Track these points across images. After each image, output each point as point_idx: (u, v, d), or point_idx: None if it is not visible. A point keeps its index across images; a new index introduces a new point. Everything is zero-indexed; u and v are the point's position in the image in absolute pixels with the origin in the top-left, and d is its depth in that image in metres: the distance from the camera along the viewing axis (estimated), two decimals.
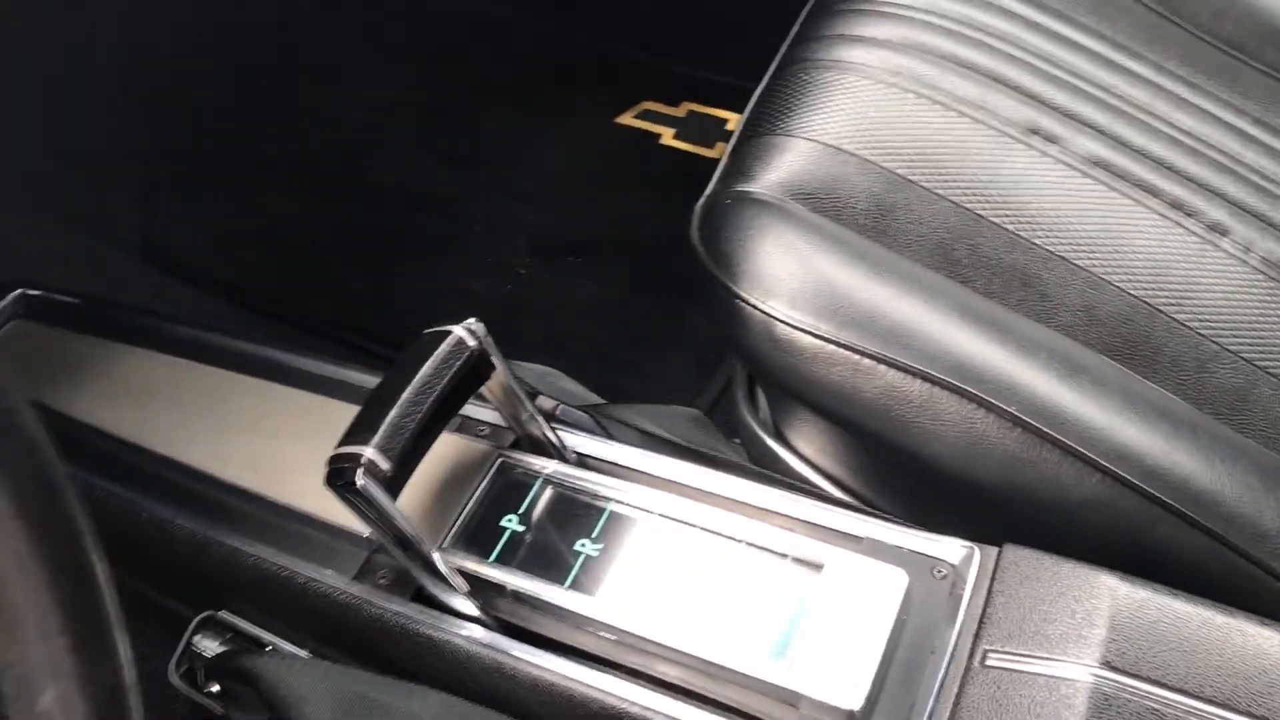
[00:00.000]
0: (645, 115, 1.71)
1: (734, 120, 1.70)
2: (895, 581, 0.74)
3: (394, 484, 0.74)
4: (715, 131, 1.69)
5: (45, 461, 0.28)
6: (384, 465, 0.73)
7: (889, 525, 0.79)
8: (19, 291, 1.08)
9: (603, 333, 1.38)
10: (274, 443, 0.92)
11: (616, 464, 0.86)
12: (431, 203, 1.61)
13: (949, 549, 0.76)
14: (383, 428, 0.74)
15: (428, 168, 1.65)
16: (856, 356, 0.82)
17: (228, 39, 1.61)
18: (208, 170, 1.62)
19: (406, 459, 0.75)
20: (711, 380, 1.29)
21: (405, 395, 0.76)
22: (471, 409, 0.89)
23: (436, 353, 0.78)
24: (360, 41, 1.78)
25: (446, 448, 0.86)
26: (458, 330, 0.79)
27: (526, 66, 1.76)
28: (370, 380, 0.95)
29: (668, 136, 1.68)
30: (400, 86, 1.76)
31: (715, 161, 1.63)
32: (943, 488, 0.85)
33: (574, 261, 1.52)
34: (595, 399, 1.03)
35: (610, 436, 0.89)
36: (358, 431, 0.74)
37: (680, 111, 1.71)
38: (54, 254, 1.27)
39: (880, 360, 0.82)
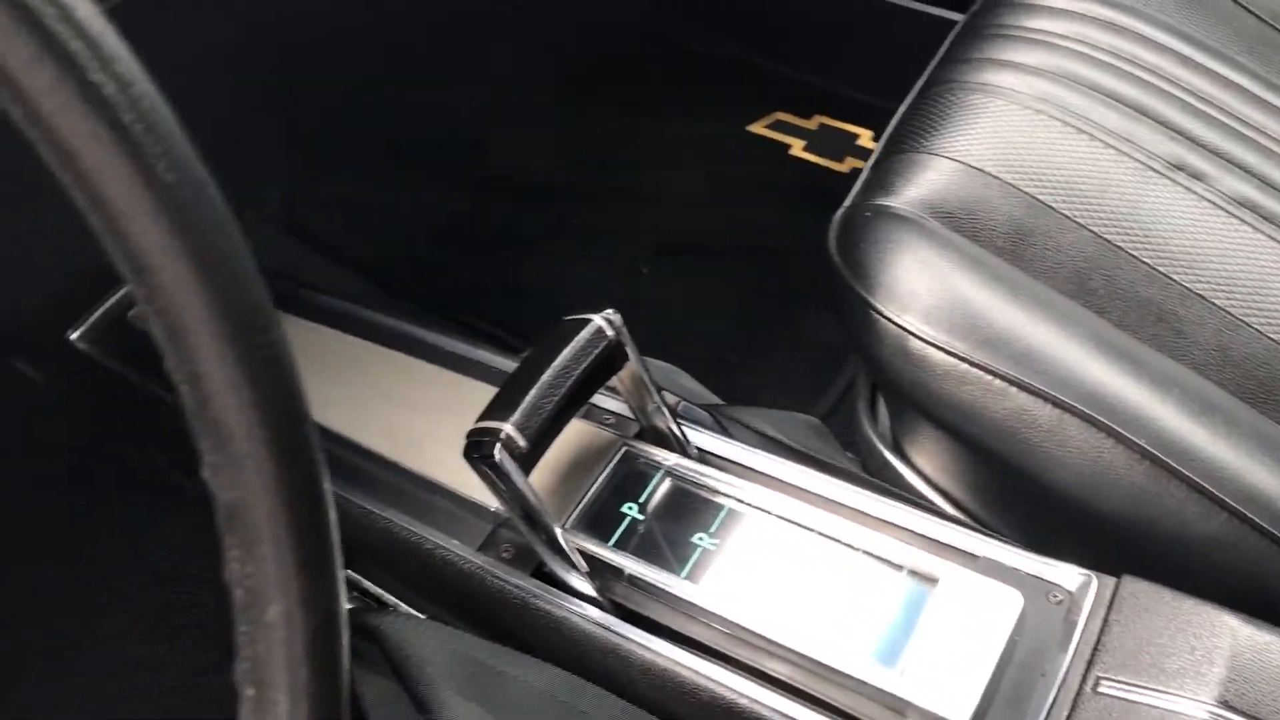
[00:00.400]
0: (777, 125, 1.72)
1: (865, 136, 1.70)
2: (1010, 602, 0.74)
3: (527, 461, 0.77)
4: (845, 146, 1.70)
5: (295, 394, 0.30)
6: (521, 442, 0.76)
7: (1005, 546, 0.79)
8: None
9: (720, 336, 1.40)
10: (410, 414, 0.96)
11: (736, 463, 0.88)
12: (559, 195, 1.65)
13: (1066, 575, 0.77)
14: (522, 406, 0.77)
15: (558, 162, 1.68)
16: (988, 377, 0.83)
17: (374, 27, 1.66)
18: (348, 152, 1.67)
19: (541, 439, 0.78)
20: (827, 390, 1.30)
21: (544, 378, 0.78)
22: (598, 398, 0.92)
23: (576, 339, 0.81)
24: (498, 36, 1.83)
25: (574, 433, 0.89)
26: (597, 320, 0.82)
27: (662, 70, 1.79)
28: (500, 361, 0.98)
29: (798, 148, 1.70)
30: (536, 82, 1.80)
31: (843, 175, 1.65)
32: (1063, 514, 0.85)
33: (696, 263, 1.55)
34: (714, 399, 1.05)
35: (730, 436, 0.91)
36: (498, 408, 0.77)
37: (812, 124, 1.72)
38: None
39: (1012, 382, 0.82)
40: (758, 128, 1.72)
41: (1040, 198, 0.94)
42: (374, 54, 1.68)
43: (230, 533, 0.30)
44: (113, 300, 1.10)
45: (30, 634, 1.10)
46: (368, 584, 0.90)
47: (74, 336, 1.07)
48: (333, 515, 0.32)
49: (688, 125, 1.71)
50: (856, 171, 1.65)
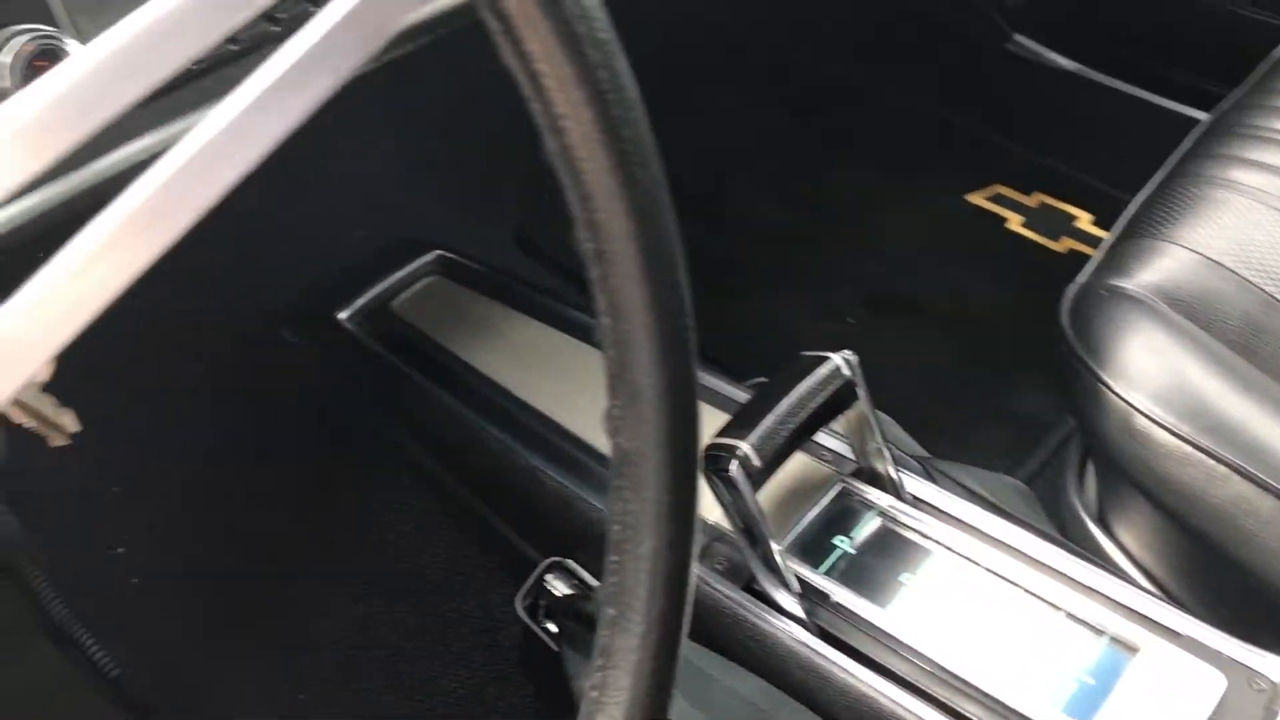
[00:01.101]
0: (997, 198, 1.75)
1: (1084, 218, 1.72)
2: (1212, 683, 0.76)
3: (757, 480, 0.83)
4: (1063, 226, 1.72)
5: (692, 373, 0.37)
6: (755, 461, 0.82)
7: (1209, 628, 0.81)
8: (438, 253, 1.24)
9: (923, 395, 1.43)
10: None
11: (946, 512, 0.92)
12: (775, 238, 1.71)
13: (1272, 664, 0.78)
14: (759, 429, 0.83)
15: (776, 206, 1.75)
16: (1212, 462, 0.85)
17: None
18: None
19: (772, 462, 0.84)
20: (1028, 459, 1.32)
21: (783, 405, 0.84)
22: (819, 434, 0.97)
23: (815, 374, 0.87)
24: (728, 80, 1.90)
25: (795, 463, 0.95)
26: (836, 359, 0.87)
27: (891, 130, 1.84)
28: (712, 383, 1.05)
29: (1015, 222, 1.72)
30: (763, 129, 1.87)
31: (1059, 255, 1.67)
32: (1273, 604, 0.86)
33: (904, 321, 1.59)
34: (922, 451, 1.09)
35: (939, 487, 0.95)
36: (736, 427, 0.83)
37: (1032, 201, 1.74)
38: (458, 231, 1.44)
39: (1236, 470, 0.84)
40: (977, 198, 1.75)
41: (1278, 297, 0.96)
42: None
43: (621, 475, 0.37)
44: (377, 290, 1.22)
45: (259, 589, 1.21)
46: (587, 575, 0.97)
47: (341, 316, 1.19)
48: (698, 480, 0.39)
49: (908, 186, 1.75)
50: (1072, 252, 1.68)
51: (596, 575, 0.99)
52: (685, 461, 0.37)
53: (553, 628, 0.97)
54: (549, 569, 0.97)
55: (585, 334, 1.13)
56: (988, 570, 0.86)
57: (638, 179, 0.34)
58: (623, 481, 0.38)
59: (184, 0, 0.28)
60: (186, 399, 1.28)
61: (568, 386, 1.07)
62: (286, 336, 1.22)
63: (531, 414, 1.04)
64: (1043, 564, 0.87)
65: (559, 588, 0.96)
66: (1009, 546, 0.88)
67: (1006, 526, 0.89)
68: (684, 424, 0.37)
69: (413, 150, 1.53)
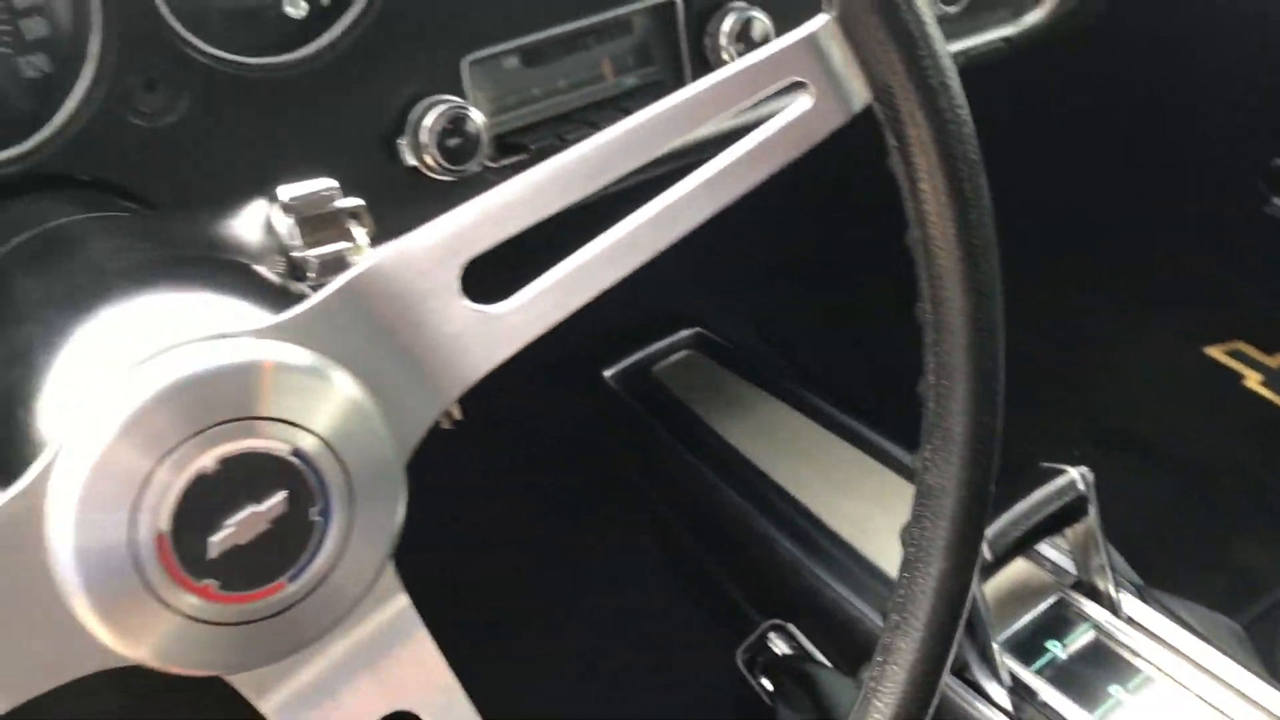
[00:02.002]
0: (1236, 354, 1.76)
1: None
2: None
3: (985, 573, 0.90)
4: None
5: (996, 433, 0.46)
6: (987, 555, 0.89)
7: None
8: (698, 330, 1.37)
9: (1144, 531, 1.45)
10: (866, 506, 1.11)
11: (1161, 636, 0.95)
12: (1011, 359, 1.75)
13: None
14: (995, 525, 0.90)
15: (1018, 330, 1.79)
16: None
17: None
18: (815, 281, 1.87)
19: (1001, 558, 0.90)
20: (1248, 604, 1.32)
21: (1018, 508, 0.91)
22: (1044, 543, 1.03)
23: (1052, 483, 0.93)
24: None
25: (1018, 565, 1.00)
26: (1073, 473, 0.94)
27: (1132, 271, 1.86)
28: None
29: (1254, 380, 1.72)
30: (1016, 259, 1.92)
31: None
32: None
33: (1129, 458, 1.60)
34: (1137, 578, 1.13)
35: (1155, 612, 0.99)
36: None
37: (1274, 361, 1.74)
38: (710, 314, 1.55)
39: None
40: (1216, 351, 1.76)
41: None
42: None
43: (923, 506, 0.46)
44: (640, 355, 1.35)
45: (491, 612, 1.32)
46: (805, 641, 1.05)
47: (606, 374, 1.32)
48: (986, 520, 0.47)
49: (1147, 329, 1.77)
50: None
51: (816, 642, 1.07)
52: (979, 503, 0.46)
53: (769, 685, 1.04)
54: (771, 629, 1.06)
55: (825, 419, 1.22)
56: (1198, 697, 0.89)
57: (980, 270, 0.44)
58: (924, 511, 0.47)
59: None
60: (458, 431, 1.42)
61: (807, 466, 1.16)
62: (554, 388, 1.36)
63: (770, 486, 1.14)
64: (1254, 701, 0.89)
65: (780, 647, 1.04)
66: (1221, 679, 0.91)
67: (1220, 659, 0.92)
68: (984, 471, 0.46)
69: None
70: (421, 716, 0.48)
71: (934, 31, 0.43)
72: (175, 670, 0.43)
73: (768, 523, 1.10)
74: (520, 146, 0.84)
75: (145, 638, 0.41)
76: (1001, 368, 0.46)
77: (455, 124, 0.79)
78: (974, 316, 0.44)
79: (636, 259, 0.45)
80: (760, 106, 0.47)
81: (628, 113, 0.87)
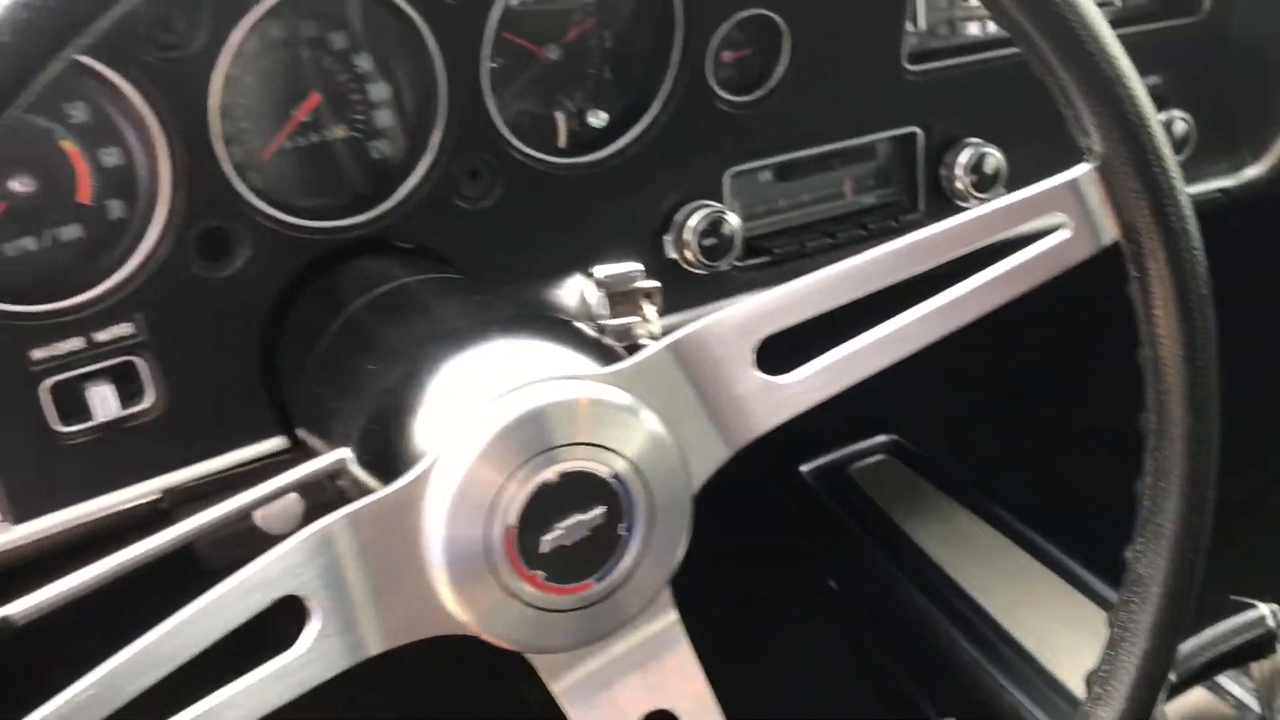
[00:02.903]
0: None
1: None
2: None
3: (1169, 695, 0.93)
4: None
5: (1205, 535, 0.53)
6: (1171, 676, 0.92)
7: None
8: (893, 437, 1.44)
9: None
10: (1047, 619, 1.15)
11: None
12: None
13: None
14: (1180, 650, 0.93)
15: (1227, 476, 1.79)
16: None
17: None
18: (1014, 399, 1.90)
19: (1183, 683, 0.94)
20: None
21: (1206, 635, 0.95)
22: (1226, 676, 1.05)
23: (1241, 615, 0.96)
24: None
25: (1199, 695, 1.03)
26: (1264, 608, 0.97)
27: None
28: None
29: None
30: None
31: None
32: None
33: None
34: None
35: None
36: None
37: None
38: (908, 421, 1.61)
39: None
40: None
41: None
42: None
43: (1132, 591, 0.53)
44: (838, 455, 1.42)
45: None
46: None
47: (804, 469, 1.40)
48: (1192, 610, 0.54)
49: None
50: None
51: None
52: (1184, 594, 0.53)
53: None
54: None
55: (1013, 533, 1.27)
56: None
57: (1201, 390, 0.51)
58: (1131, 597, 0.54)
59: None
60: None
61: (993, 576, 1.22)
62: (752, 470, 1.44)
63: (957, 591, 1.19)
64: None
65: None
66: None
67: None
68: (1190, 566, 0.53)
69: None
70: (679, 717, 0.57)
71: (1179, 183, 0.51)
72: (491, 639, 0.53)
73: (952, 625, 1.15)
74: (766, 250, 0.95)
75: (479, 609, 0.52)
76: (1213, 477, 0.53)
77: (714, 226, 0.90)
78: (1193, 429, 0.51)
79: (903, 351, 0.55)
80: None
81: (865, 228, 0.98)
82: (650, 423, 0.53)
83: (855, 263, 0.54)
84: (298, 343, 0.77)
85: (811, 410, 0.60)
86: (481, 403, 0.52)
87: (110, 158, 0.75)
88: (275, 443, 0.82)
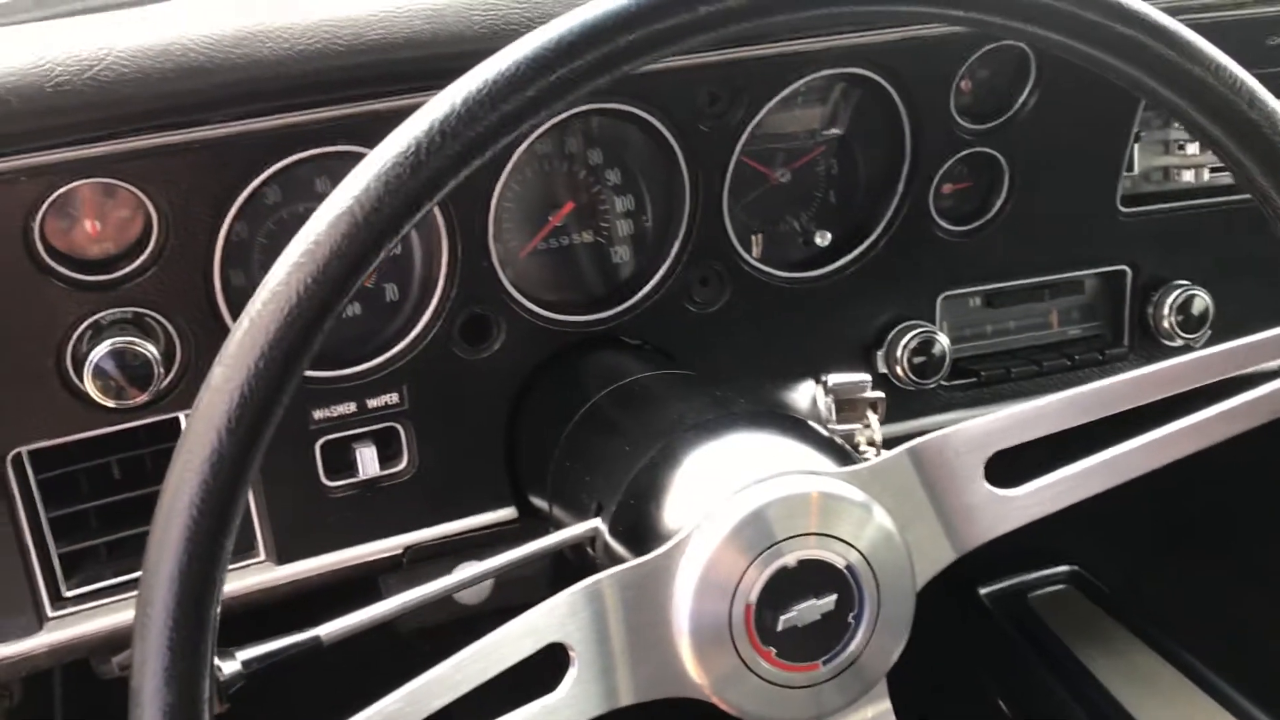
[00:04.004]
0: None
1: None
2: None
3: None
4: None
5: None
6: None
7: None
8: (1075, 568, 1.44)
9: None
10: None
11: None
12: None
13: None
14: None
15: None
16: None
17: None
18: (1201, 540, 1.86)
19: None
20: None
21: None
22: None
23: None
24: None
25: None
26: None
27: None
28: None
29: None
30: None
31: None
32: None
33: None
34: None
35: None
36: None
37: None
38: (1091, 554, 1.60)
39: None
40: None
41: None
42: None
43: None
44: (1017, 580, 1.43)
45: None
46: None
47: (983, 592, 1.41)
48: None
49: None
50: None
51: None
52: None
53: None
54: None
55: (1195, 675, 1.25)
56: None
57: None
58: None
59: None
60: None
61: (1172, 717, 1.20)
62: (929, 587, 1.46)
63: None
64: None
65: None
66: None
67: None
68: None
69: None
70: None
71: None
72: (722, 704, 0.58)
73: None
74: (973, 372, 0.99)
75: (716, 675, 0.57)
76: None
77: (924, 346, 0.95)
78: None
79: (1126, 475, 0.58)
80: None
81: (1071, 360, 1.01)
82: (884, 521, 0.58)
83: (1089, 389, 0.58)
84: (540, 423, 0.84)
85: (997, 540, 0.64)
86: (733, 489, 0.58)
87: (393, 248, 0.86)
88: (506, 512, 0.89)
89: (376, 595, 0.71)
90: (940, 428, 0.61)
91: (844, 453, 0.63)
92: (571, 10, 0.45)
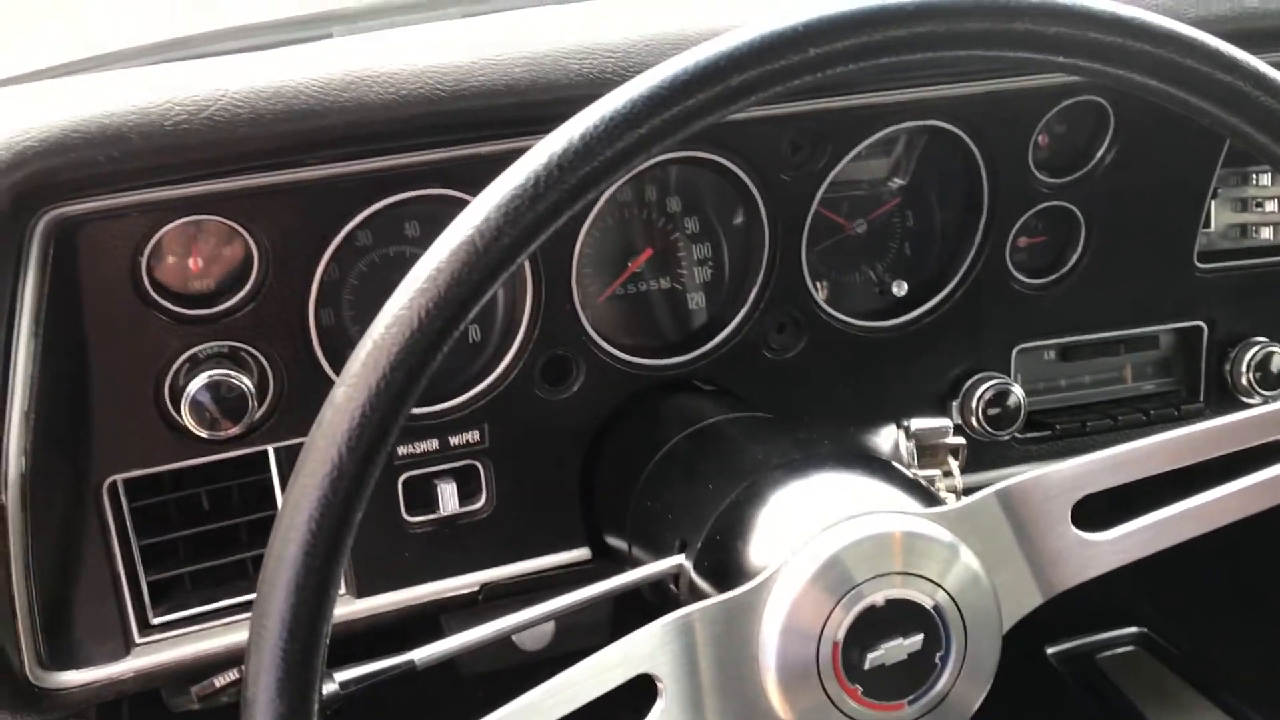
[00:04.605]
0: None
1: None
2: None
3: None
4: None
5: None
6: None
7: None
8: (1143, 630, 1.41)
9: None
10: None
11: None
12: None
13: None
14: None
15: None
16: None
17: None
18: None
19: None
20: None
21: None
22: None
23: None
24: None
25: None
26: None
27: None
28: None
29: None
30: None
31: None
32: None
33: None
34: None
35: None
36: None
37: None
38: (1158, 616, 1.58)
39: None
40: None
41: None
42: None
43: None
44: (1084, 641, 1.41)
45: None
46: None
47: (1050, 651, 1.40)
48: None
49: None
50: None
51: None
52: None
53: None
54: None
55: None
56: None
57: None
58: None
59: None
60: None
61: None
62: None
63: None
64: None
65: None
66: None
67: None
68: None
69: None
70: None
71: None
72: None
73: None
74: (1047, 425, 0.99)
75: (801, 712, 0.57)
76: None
77: (999, 397, 0.95)
78: None
79: (1215, 523, 0.58)
80: None
81: (1146, 415, 1.00)
82: (971, 562, 0.58)
83: (1180, 434, 0.59)
84: (618, 463, 0.85)
85: (1060, 595, 0.63)
86: (821, 526, 0.59)
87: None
88: (580, 552, 0.90)
89: (436, 634, 0.72)
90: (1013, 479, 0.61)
91: (930, 495, 0.64)
92: (683, 52, 0.47)
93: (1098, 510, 0.63)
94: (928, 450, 0.72)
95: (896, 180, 0.97)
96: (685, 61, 0.45)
